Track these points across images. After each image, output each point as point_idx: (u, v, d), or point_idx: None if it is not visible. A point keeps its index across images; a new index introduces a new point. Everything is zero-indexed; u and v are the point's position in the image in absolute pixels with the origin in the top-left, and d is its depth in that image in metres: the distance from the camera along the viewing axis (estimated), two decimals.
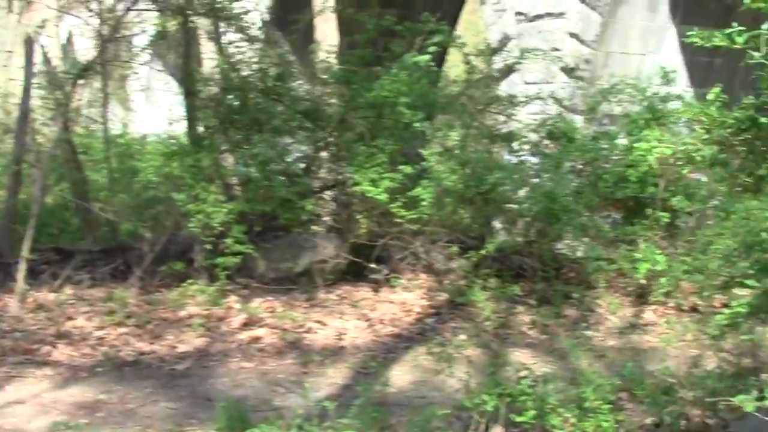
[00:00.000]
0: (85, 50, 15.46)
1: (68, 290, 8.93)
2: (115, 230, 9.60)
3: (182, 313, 8.52)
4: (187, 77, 10.95)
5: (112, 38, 9.67)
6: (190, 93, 10.87)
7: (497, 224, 10.26)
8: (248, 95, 9.45)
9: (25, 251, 8.69)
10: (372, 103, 9.51)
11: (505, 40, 14.12)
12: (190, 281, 8.76)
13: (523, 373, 5.62)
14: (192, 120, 10.71)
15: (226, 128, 9.78)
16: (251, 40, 10.14)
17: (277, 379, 7.03)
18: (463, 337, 8.02)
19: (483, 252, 8.92)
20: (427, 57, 9.78)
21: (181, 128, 10.15)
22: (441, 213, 9.14)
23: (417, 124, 9.36)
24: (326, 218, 9.99)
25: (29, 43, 9.94)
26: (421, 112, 9.38)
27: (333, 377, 7.09)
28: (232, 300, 8.75)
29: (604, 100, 11.09)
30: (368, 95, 9.46)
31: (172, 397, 6.61)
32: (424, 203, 8.74)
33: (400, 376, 6.74)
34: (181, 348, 7.88)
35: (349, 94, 9.80)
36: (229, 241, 8.61)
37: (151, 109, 23.96)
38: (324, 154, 10.19)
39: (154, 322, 8.30)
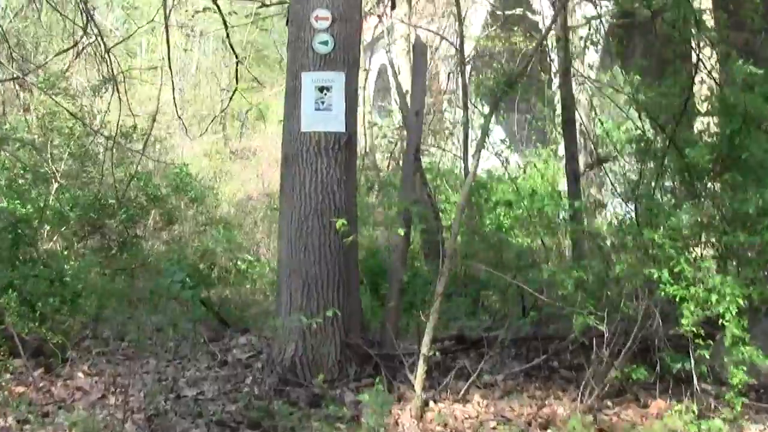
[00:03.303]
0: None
1: (477, 398, 6.52)
2: (548, 316, 6.86)
3: None
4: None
5: None
6: (570, 121, 9.88)
7: None
8: None
9: (425, 345, 6.19)
10: None
11: None
12: (676, 403, 5.93)
13: None
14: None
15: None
16: None
17: None
18: None
19: None
20: None
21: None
22: None
23: None
24: None
25: (419, 48, 7.37)
26: None
27: None
28: None
29: None
30: None
31: None
32: None
33: None
34: None
35: None
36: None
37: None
38: None
39: None
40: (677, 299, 5.86)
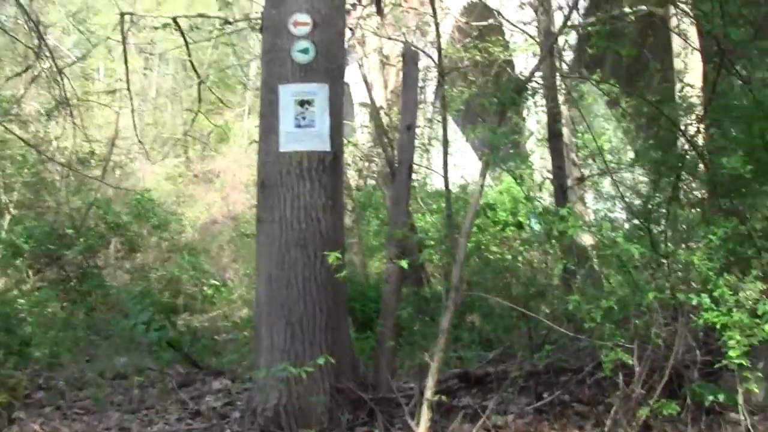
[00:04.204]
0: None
1: None
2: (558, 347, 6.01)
3: None
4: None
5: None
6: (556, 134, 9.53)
7: None
8: None
9: (429, 389, 5.29)
10: None
11: None
12: None
13: None
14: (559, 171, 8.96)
15: None
16: None
17: None
18: None
19: None
20: None
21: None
22: None
23: None
24: None
25: (410, 56, 6.43)
26: None
27: None
28: None
29: None
30: None
31: None
32: None
33: None
34: None
35: None
36: None
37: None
38: None
39: None
40: (717, 326, 5.02)
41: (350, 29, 12.23)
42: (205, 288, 14.51)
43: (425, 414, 5.30)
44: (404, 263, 5.46)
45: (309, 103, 5.70)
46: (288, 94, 5.74)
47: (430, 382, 5.30)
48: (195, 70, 14.04)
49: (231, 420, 6.14)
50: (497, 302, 6.01)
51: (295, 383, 5.62)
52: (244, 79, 29.10)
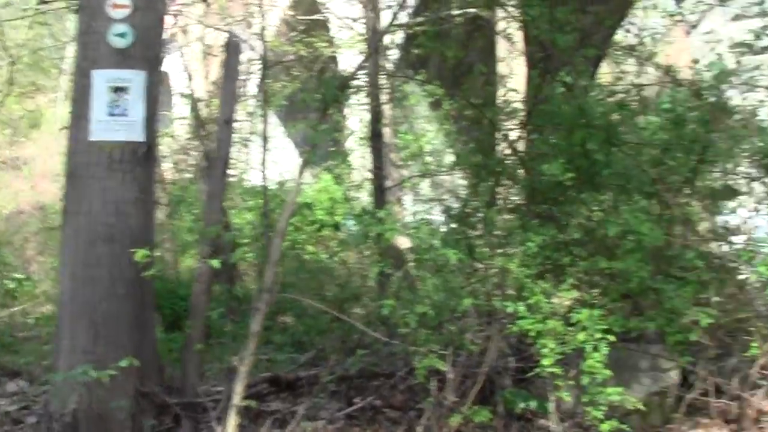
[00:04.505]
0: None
1: None
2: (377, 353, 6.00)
3: None
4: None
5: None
6: (377, 134, 9.22)
7: None
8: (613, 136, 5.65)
9: (238, 394, 5.11)
10: None
11: None
12: None
13: None
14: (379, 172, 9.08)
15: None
16: None
17: None
18: None
19: None
20: None
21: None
22: None
23: None
24: None
25: (233, 47, 6.20)
26: None
27: None
28: None
29: None
30: None
31: None
32: None
33: None
34: None
35: None
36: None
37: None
38: None
39: None
40: (532, 334, 5.08)
41: (173, 16, 11.86)
42: (6, 281, 13.72)
43: (233, 420, 5.12)
44: (216, 263, 5.28)
45: (124, 90, 5.41)
46: (102, 80, 5.42)
47: (239, 387, 5.12)
48: (6, 50, 13.36)
49: (26, 425, 5.76)
50: (311, 304, 5.92)
51: (96, 387, 5.32)
52: (59, 62, 27.80)
